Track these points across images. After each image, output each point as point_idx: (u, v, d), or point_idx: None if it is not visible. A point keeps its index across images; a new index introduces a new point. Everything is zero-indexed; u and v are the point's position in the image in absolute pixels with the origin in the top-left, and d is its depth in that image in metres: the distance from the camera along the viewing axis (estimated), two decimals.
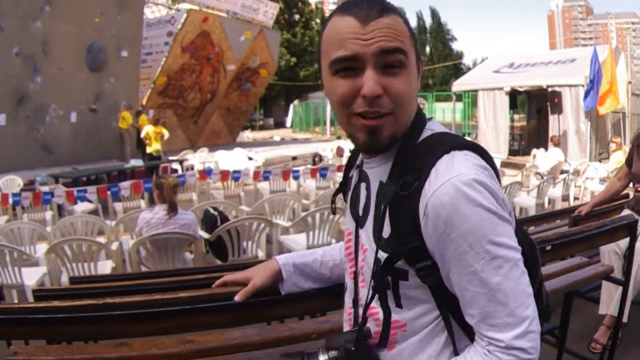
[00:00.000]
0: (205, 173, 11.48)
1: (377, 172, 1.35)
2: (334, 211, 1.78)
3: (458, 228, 1.13)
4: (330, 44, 1.25)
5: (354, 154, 1.58)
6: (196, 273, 3.13)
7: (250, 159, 16.47)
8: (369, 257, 1.34)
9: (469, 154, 1.22)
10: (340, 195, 1.66)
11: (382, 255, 1.26)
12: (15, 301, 5.46)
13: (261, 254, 6.36)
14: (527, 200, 9.67)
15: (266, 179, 11.33)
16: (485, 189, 1.14)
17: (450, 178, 1.14)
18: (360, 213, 1.43)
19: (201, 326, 1.87)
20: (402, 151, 1.29)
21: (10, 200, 8.66)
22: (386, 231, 1.26)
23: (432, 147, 1.25)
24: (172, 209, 5.45)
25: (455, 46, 68.32)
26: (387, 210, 1.25)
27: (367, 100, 1.20)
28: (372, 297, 1.32)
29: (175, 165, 14.89)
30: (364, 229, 1.39)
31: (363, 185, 1.43)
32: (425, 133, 1.31)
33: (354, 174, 1.53)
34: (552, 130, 16.10)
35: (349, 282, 1.51)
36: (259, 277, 1.77)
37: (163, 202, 5.50)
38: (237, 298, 1.75)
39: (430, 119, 1.38)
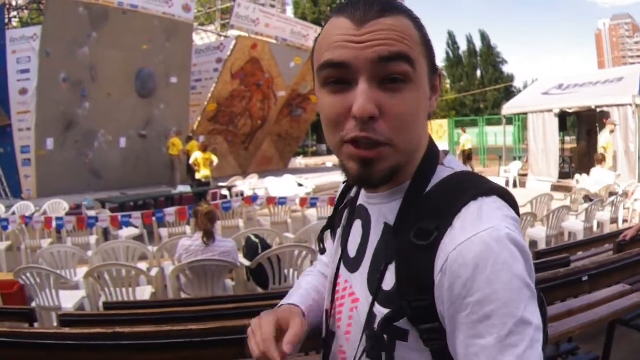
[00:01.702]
0: (251, 199, 11.49)
1: (381, 210, 1.14)
2: (322, 251, 1.44)
3: (477, 292, 0.91)
4: (320, 50, 1.05)
5: (348, 185, 1.37)
6: (227, 302, 3.12)
7: (300, 185, 16.44)
8: (362, 309, 1.12)
9: (499, 202, 1.01)
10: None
11: (380, 310, 1.06)
12: (55, 324, 5.56)
13: None
14: (575, 225, 9.38)
15: (313, 205, 11.23)
16: (519, 251, 0.93)
17: (478, 232, 0.93)
18: (353, 255, 1.20)
19: (209, 359, 1.82)
20: (414, 190, 1.08)
21: (54, 224, 8.83)
22: (388, 282, 1.05)
23: (453, 189, 1.04)
24: (208, 237, 5.42)
25: (506, 69, 67.51)
26: (395, 259, 1.04)
27: (358, 122, 0.98)
28: (360, 358, 1.09)
29: (225, 192, 14.99)
30: (357, 275, 1.17)
31: (359, 223, 1.21)
32: (443, 171, 1.10)
33: (347, 208, 1.32)
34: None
35: (336, 330, 1.24)
36: (298, 322, 1.22)
37: (200, 230, 5.51)
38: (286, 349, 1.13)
39: (447, 152, 1.17)
